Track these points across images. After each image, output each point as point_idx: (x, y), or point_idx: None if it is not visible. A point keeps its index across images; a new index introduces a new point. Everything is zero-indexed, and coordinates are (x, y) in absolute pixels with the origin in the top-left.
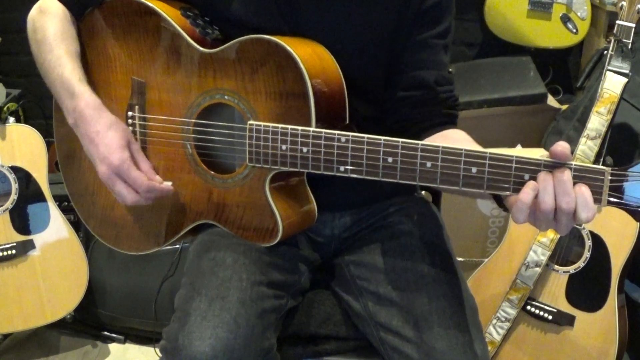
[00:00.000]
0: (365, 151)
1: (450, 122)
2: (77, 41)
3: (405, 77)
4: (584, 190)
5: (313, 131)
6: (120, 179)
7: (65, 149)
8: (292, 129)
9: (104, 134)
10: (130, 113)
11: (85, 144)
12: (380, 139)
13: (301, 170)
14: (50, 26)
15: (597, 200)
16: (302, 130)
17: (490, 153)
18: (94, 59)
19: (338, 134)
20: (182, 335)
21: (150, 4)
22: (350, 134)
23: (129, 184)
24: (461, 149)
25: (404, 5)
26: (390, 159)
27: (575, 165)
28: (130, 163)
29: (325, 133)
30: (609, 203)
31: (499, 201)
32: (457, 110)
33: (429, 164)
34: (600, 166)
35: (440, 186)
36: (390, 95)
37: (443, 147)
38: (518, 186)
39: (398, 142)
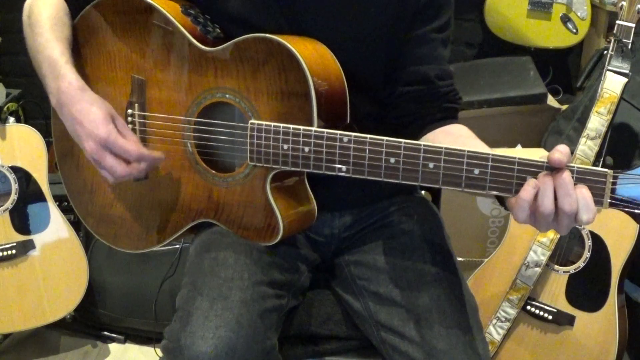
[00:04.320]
0: (367, 151)
1: (451, 116)
2: (70, 30)
3: (405, 72)
4: (585, 192)
5: (315, 131)
6: (109, 151)
7: (63, 147)
8: (293, 128)
9: (88, 111)
10: (129, 111)
11: (69, 125)
12: (382, 140)
13: (302, 170)
14: (44, 11)
15: (598, 202)
16: (303, 129)
17: (492, 154)
18: (93, 56)
19: (340, 134)
20: (184, 335)
21: (151, 1)
22: (353, 134)
23: (118, 156)
24: (464, 150)
25: (403, 0)
26: (392, 160)
27: (577, 167)
28: (117, 134)
29: (327, 133)
30: (611, 205)
31: (501, 200)
32: (459, 104)
33: (431, 165)
34: (602, 169)
35: (443, 187)
36: (391, 91)
37: (446, 148)
38: (520, 188)
39: (400, 142)
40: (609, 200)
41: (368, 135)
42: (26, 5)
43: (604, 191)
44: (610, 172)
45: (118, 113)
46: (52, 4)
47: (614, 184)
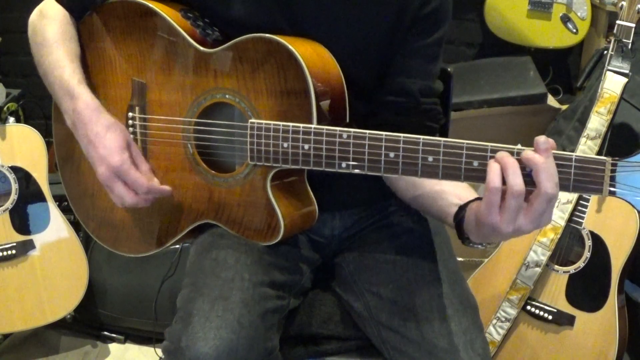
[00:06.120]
0: (366, 147)
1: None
2: (77, 43)
3: (391, 81)
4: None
5: (314, 128)
6: (120, 180)
7: (64, 151)
8: (293, 126)
9: (103, 136)
10: (130, 114)
11: (84, 146)
12: (381, 135)
13: (303, 167)
14: (49, 29)
15: (597, 191)
16: (303, 127)
17: (491, 146)
18: (94, 60)
19: (340, 131)
20: (185, 336)
21: (150, 5)
22: (352, 130)
23: (128, 185)
24: (462, 143)
25: (402, 8)
26: (392, 154)
27: (575, 156)
28: (130, 164)
29: (326, 130)
30: (610, 193)
31: (460, 232)
32: (439, 124)
33: (430, 159)
34: (600, 157)
35: (443, 180)
36: (375, 98)
37: (445, 141)
38: (525, 178)
39: (400, 137)
40: (608, 189)
41: (367, 131)
42: (30, 23)
43: (603, 179)
44: (609, 159)
45: (119, 117)
46: (57, 19)
47: (612, 172)
